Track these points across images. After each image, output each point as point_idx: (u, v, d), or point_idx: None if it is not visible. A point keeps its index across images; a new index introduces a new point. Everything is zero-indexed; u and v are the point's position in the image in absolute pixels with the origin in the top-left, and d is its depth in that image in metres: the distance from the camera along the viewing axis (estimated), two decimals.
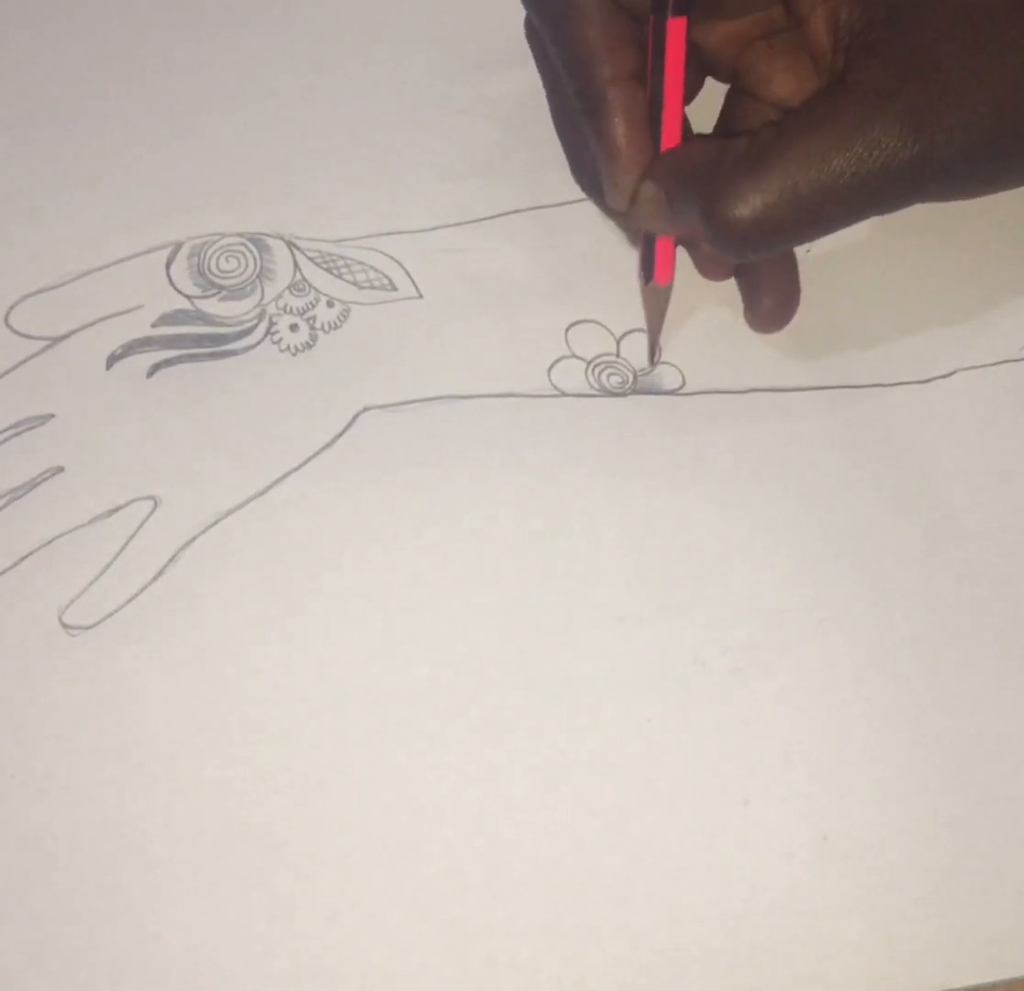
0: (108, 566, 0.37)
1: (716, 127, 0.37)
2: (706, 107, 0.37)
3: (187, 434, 0.40)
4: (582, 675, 0.37)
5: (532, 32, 0.36)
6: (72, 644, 0.36)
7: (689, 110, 0.36)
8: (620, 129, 0.34)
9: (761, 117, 0.35)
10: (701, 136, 0.36)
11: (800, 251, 0.42)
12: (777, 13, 0.34)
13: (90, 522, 0.38)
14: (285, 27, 0.46)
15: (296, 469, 0.39)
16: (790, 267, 0.38)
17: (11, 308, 0.41)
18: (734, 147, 0.32)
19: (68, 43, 0.46)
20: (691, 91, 0.36)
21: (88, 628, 0.37)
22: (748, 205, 0.31)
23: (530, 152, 0.44)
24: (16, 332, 0.41)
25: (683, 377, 0.41)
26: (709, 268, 0.38)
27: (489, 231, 0.43)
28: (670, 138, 0.35)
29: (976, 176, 0.32)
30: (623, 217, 0.36)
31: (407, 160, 0.44)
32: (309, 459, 0.39)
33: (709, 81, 0.37)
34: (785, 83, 0.35)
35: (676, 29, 0.33)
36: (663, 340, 0.41)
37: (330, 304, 0.42)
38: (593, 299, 0.42)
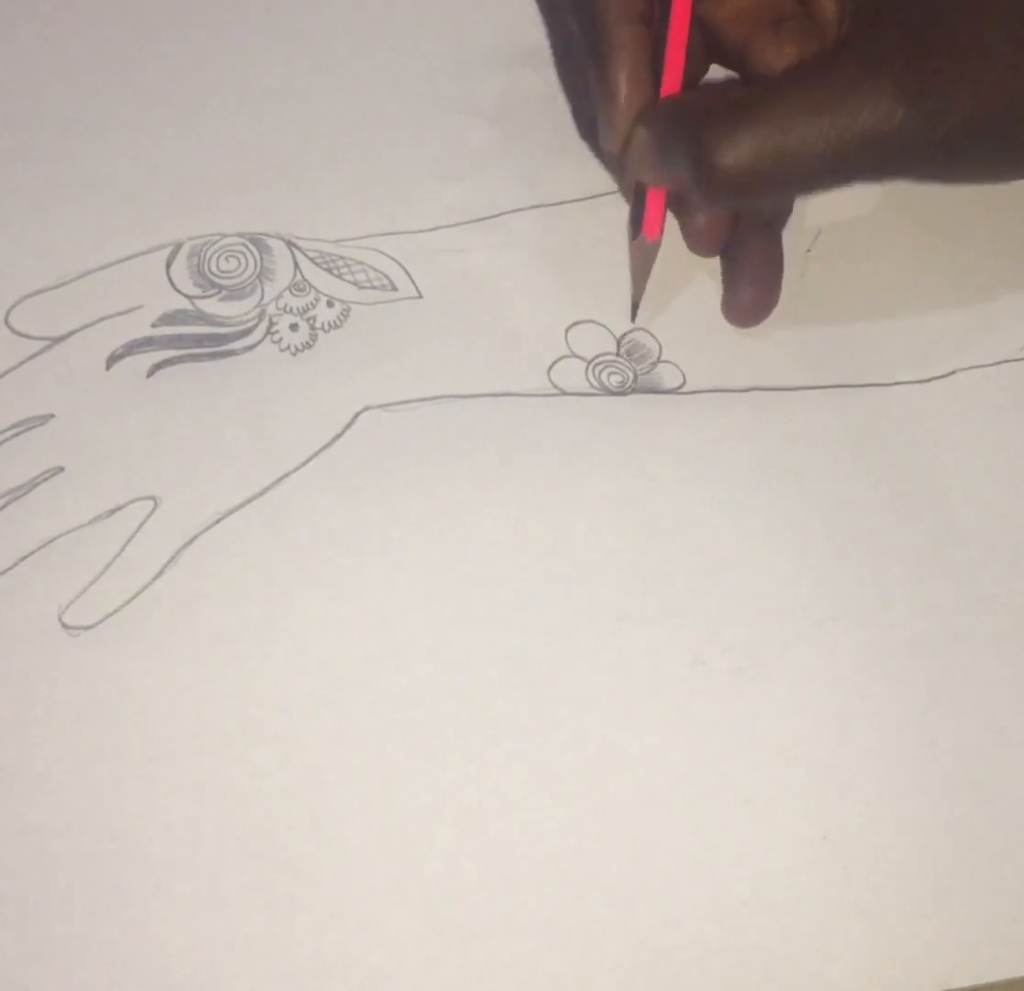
0: (108, 566, 0.37)
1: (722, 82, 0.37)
2: None
3: (187, 434, 0.40)
4: (582, 675, 0.37)
5: None
6: (72, 644, 0.36)
7: None
8: (622, 69, 0.34)
9: None
10: (702, 86, 0.36)
11: (800, 250, 0.43)
12: None
13: (90, 522, 0.38)
14: (285, 27, 0.46)
15: (296, 469, 0.39)
16: (774, 261, 0.37)
17: (11, 308, 0.41)
18: (726, 95, 0.32)
19: (68, 43, 0.46)
20: (696, 74, 0.36)
21: (88, 628, 0.37)
22: (734, 151, 0.31)
23: (530, 152, 0.44)
24: (16, 332, 0.41)
25: (684, 376, 0.41)
26: (698, 240, 0.37)
27: (489, 231, 0.42)
28: (670, 85, 0.35)
29: (974, 157, 0.32)
30: (615, 164, 0.36)
31: (407, 160, 0.44)
32: (309, 459, 0.39)
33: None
34: (790, 63, 0.34)
35: None
36: (663, 338, 0.41)
37: (330, 304, 0.42)
38: (593, 299, 0.42)
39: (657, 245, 0.38)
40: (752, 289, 0.37)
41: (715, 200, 0.33)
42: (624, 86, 0.34)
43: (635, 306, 0.40)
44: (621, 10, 0.34)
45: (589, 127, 0.36)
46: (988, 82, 0.30)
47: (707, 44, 0.36)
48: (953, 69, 0.30)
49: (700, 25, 0.35)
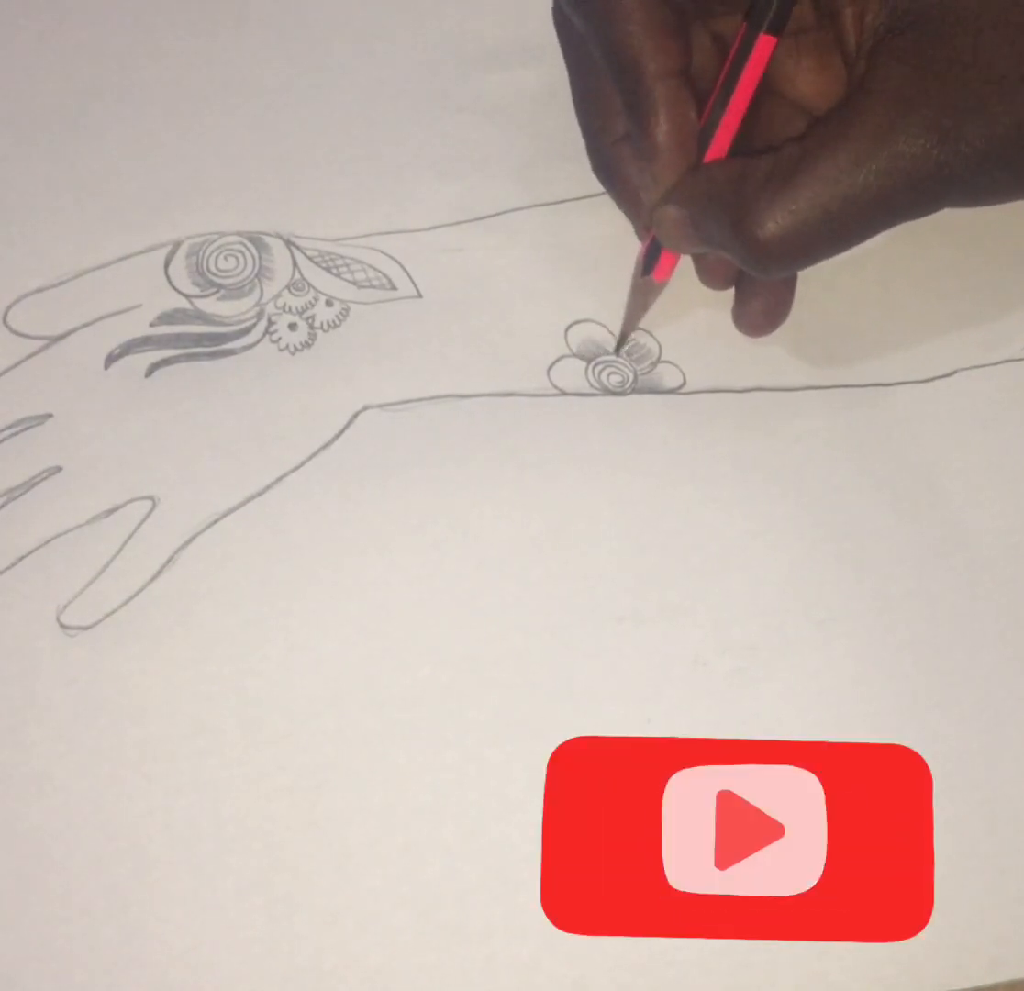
0: (106, 566, 0.37)
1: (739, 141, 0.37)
2: None
3: (185, 434, 0.39)
4: (582, 675, 0.37)
5: (562, 18, 0.35)
6: (70, 644, 0.36)
7: None
8: (666, 125, 0.33)
9: (784, 117, 0.35)
10: (729, 158, 0.36)
11: None
12: (805, 10, 0.34)
13: (88, 522, 0.38)
14: (284, 26, 0.46)
15: (295, 469, 0.39)
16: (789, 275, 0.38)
17: (9, 307, 0.41)
18: (758, 166, 0.32)
19: (68, 43, 0.46)
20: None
21: (86, 628, 0.37)
22: (777, 225, 0.31)
23: (529, 151, 0.44)
24: (14, 331, 0.41)
25: (684, 376, 0.41)
26: (712, 277, 0.38)
27: (489, 230, 0.42)
28: (719, 149, 0.34)
29: (997, 184, 0.32)
30: (632, 206, 0.36)
31: (407, 159, 0.44)
32: (308, 458, 0.39)
33: None
34: (810, 83, 0.35)
35: (763, 46, 0.33)
36: (663, 338, 0.41)
37: (329, 303, 0.42)
38: (593, 299, 0.42)
39: (662, 286, 0.38)
40: (763, 302, 0.37)
41: (761, 273, 0.33)
42: (668, 144, 0.33)
43: (623, 338, 0.40)
44: (662, 64, 0.33)
45: (608, 172, 0.36)
46: (1006, 112, 0.30)
47: (725, 58, 0.35)
48: (972, 103, 0.30)
49: (713, 39, 0.35)
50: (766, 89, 0.35)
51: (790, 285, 0.37)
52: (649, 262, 0.37)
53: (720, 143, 0.34)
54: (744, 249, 0.32)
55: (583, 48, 0.35)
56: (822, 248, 0.32)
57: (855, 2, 0.33)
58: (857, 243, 0.32)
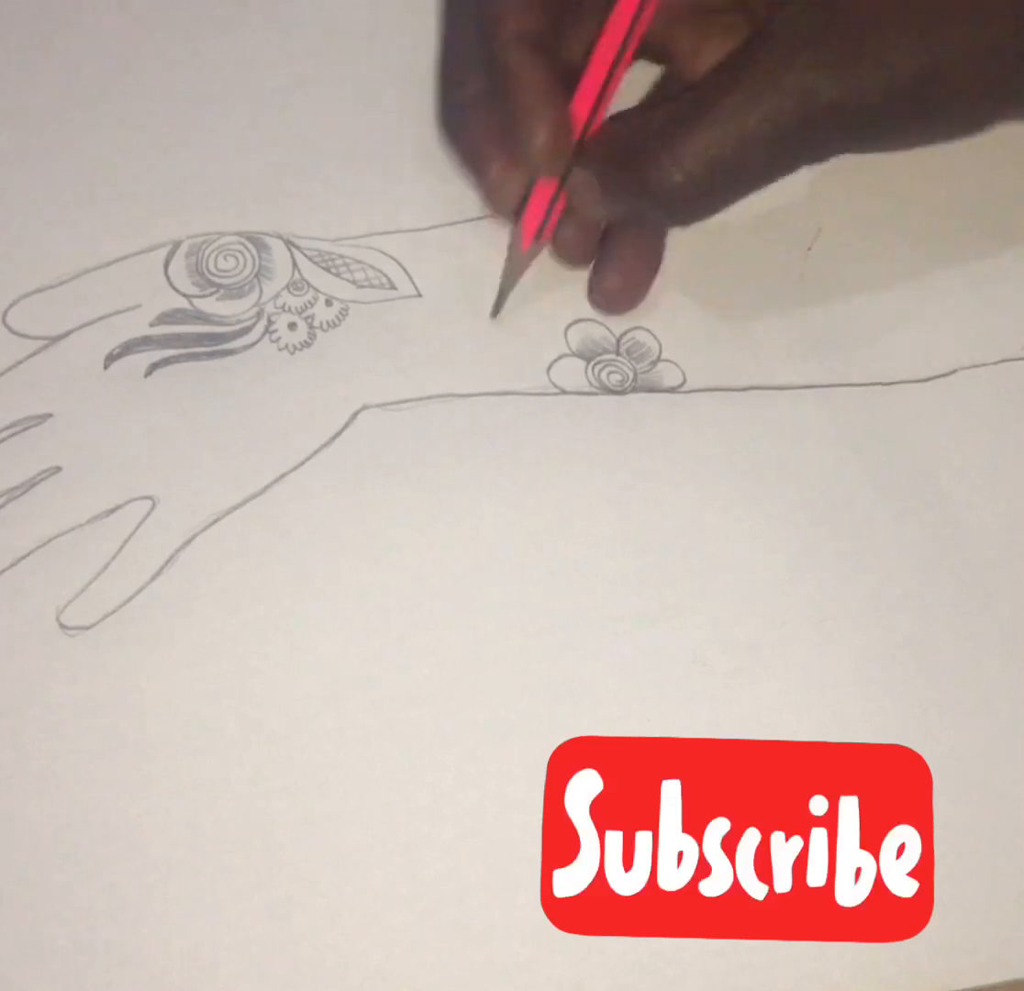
0: (106, 566, 0.37)
1: (640, 103, 0.36)
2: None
3: (185, 433, 0.39)
4: (582, 675, 0.37)
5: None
6: (70, 644, 0.36)
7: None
8: (530, 93, 0.34)
9: None
10: (615, 115, 0.35)
11: (801, 249, 0.42)
12: None
13: (88, 522, 0.38)
14: (284, 26, 0.46)
15: (295, 468, 0.39)
16: (645, 253, 0.37)
17: (8, 307, 0.41)
18: (654, 116, 0.32)
19: (68, 43, 0.46)
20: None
21: (86, 628, 0.37)
22: (683, 174, 0.32)
23: None
24: (13, 331, 0.41)
25: (683, 375, 0.41)
26: (571, 253, 0.38)
27: (489, 230, 0.42)
28: (586, 101, 0.34)
29: (891, 132, 0.32)
30: (482, 173, 0.36)
31: (407, 159, 0.44)
32: (308, 458, 0.39)
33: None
34: (713, 57, 0.34)
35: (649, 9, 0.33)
36: (663, 337, 0.41)
37: (329, 303, 0.42)
38: None
39: (535, 250, 0.38)
40: (618, 276, 0.37)
41: (675, 221, 0.33)
42: (539, 105, 0.34)
43: (501, 300, 0.40)
44: (515, 30, 0.33)
45: (453, 125, 0.35)
46: (906, 51, 0.31)
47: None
48: (870, 43, 0.31)
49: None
50: (675, 77, 0.35)
51: (649, 266, 0.37)
52: (531, 231, 0.37)
53: (586, 95, 0.34)
54: (654, 202, 0.32)
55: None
56: (725, 191, 0.32)
57: None
58: (762, 184, 0.33)
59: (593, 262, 0.37)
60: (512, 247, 0.38)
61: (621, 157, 0.33)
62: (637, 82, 0.39)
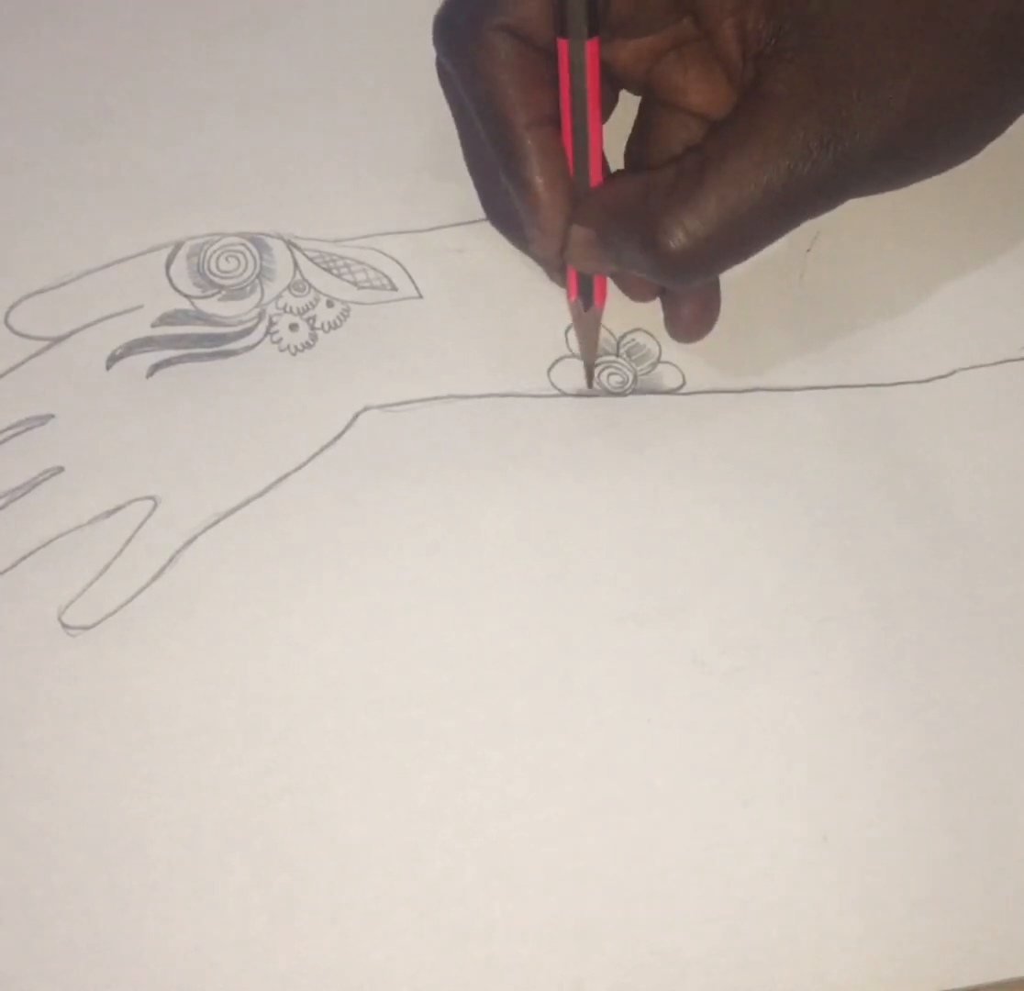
0: (108, 566, 0.37)
1: (631, 138, 0.36)
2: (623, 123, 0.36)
3: (187, 434, 0.40)
4: (582, 675, 0.37)
5: (444, 74, 0.35)
6: (72, 644, 0.36)
7: (606, 126, 0.35)
8: (541, 176, 0.33)
9: (678, 126, 0.35)
10: (621, 172, 0.35)
11: (800, 250, 0.43)
12: (686, 25, 0.34)
13: (90, 522, 0.38)
14: (285, 27, 0.46)
15: (296, 469, 0.39)
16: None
17: (11, 308, 0.41)
18: (661, 178, 0.32)
19: (68, 43, 0.46)
20: (606, 109, 0.35)
21: (88, 628, 0.37)
22: (687, 235, 0.31)
23: None
24: (16, 332, 0.41)
25: (683, 377, 0.41)
26: (635, 290, 0.38)
27: (489, 231, 0.42)
28: (595, 173, 0.34)
29: (896, 169, 0.32)
30: (543, 257, 0.36)
31: (407, 160, 0.44)
32: (309, 459, 0.39)
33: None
34: (700, 92, 0.34)
35: (592, 52, 0.32)
36: (663, 339, 0.41)
37: (330, 304, 0.42)
38: None
39: (601, 311, 0.38)
40: (691, 306, 0.37)
41: (675, 283, 0.33)
42: (548, 193, 0.33)
43: (589, 371, 0.40)
44: (530, 117, 0.33)
45: (506, 223, 0.36)
46: (896, 97, 0.31)
47: (611, 78, 0.35)
48: (863, 95, 0.31)
49: (603, 66, 0.34)
50: (660, 103, 0.35)
51: (715, 285, 0.37)
52: (584, 296, 0.37)
53: (595, 168, 0.34)
54: (656, 262, 0.32)
55: (465, 108, 0.34)
56: (732, 254, 0.32)
57: (734, 12, 0.33)
58: (766, 245, 0.33)
59: (663, 295, 0.37)
60: (574, 317, 0.38)
61: (625, 215, 0.33)
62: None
